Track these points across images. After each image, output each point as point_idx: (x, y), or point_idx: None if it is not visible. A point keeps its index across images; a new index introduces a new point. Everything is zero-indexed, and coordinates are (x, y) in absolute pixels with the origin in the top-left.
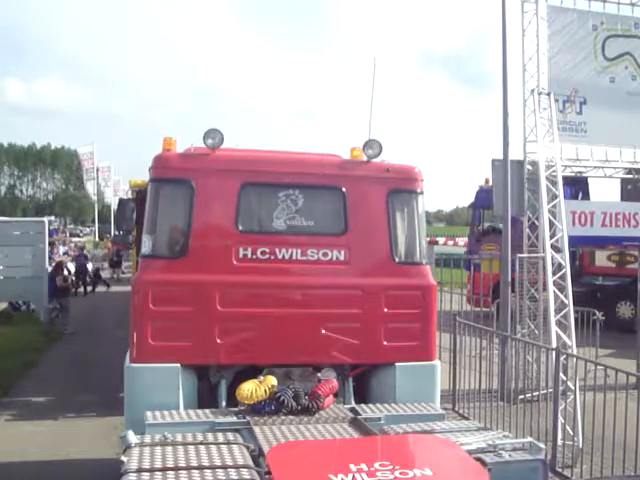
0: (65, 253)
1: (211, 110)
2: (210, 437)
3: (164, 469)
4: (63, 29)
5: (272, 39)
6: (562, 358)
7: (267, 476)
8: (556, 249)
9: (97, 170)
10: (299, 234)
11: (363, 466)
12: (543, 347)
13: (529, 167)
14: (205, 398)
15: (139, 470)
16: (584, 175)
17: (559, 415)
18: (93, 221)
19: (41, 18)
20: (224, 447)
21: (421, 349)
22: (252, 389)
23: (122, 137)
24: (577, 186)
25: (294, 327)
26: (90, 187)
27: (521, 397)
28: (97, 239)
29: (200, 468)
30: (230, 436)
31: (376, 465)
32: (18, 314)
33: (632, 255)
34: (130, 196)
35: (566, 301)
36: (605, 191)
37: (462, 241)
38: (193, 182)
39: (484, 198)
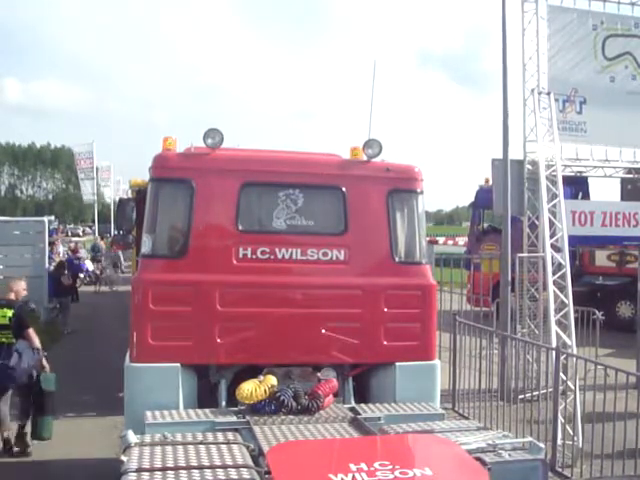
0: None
1: (211, 110)
2: (210, 437)
3: (164, 469)
4: (63, 29)
5: (272, 39)
6: (562, 358)
7: (267, 476)
8: (556, 249)
9: (97, 170)
10: (299, 234)
11: (363, 466)
12: (543, 347)
13: (529, 167)
14: (205, 398)
15: (139, 470)
16: (584, 175)
17: (559, 415)
18: (93, 221)
19: (41, 18)
20: (224, 447)
21: (421, 349)
22: (252, 389)
23: (122, 137)
24: (577, 186)
25: (294, 327)
26: (89, 187)
27: (521, 397)
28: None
29: (200, 468)
30: (230, 436)
31: (376, 465)
32: None
33: (632, 255)
34: (130, 196)
35: (566, 301)
36: (605, 191)
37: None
38: (193, 182)
39: (484, 198)
